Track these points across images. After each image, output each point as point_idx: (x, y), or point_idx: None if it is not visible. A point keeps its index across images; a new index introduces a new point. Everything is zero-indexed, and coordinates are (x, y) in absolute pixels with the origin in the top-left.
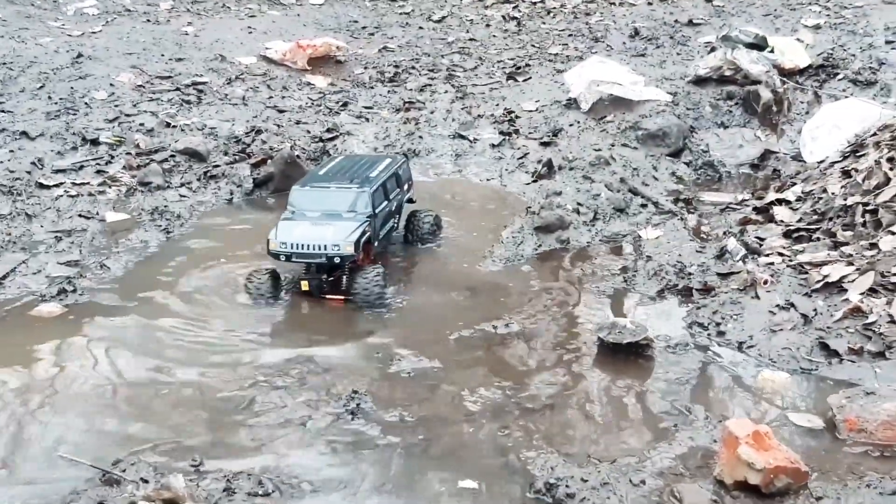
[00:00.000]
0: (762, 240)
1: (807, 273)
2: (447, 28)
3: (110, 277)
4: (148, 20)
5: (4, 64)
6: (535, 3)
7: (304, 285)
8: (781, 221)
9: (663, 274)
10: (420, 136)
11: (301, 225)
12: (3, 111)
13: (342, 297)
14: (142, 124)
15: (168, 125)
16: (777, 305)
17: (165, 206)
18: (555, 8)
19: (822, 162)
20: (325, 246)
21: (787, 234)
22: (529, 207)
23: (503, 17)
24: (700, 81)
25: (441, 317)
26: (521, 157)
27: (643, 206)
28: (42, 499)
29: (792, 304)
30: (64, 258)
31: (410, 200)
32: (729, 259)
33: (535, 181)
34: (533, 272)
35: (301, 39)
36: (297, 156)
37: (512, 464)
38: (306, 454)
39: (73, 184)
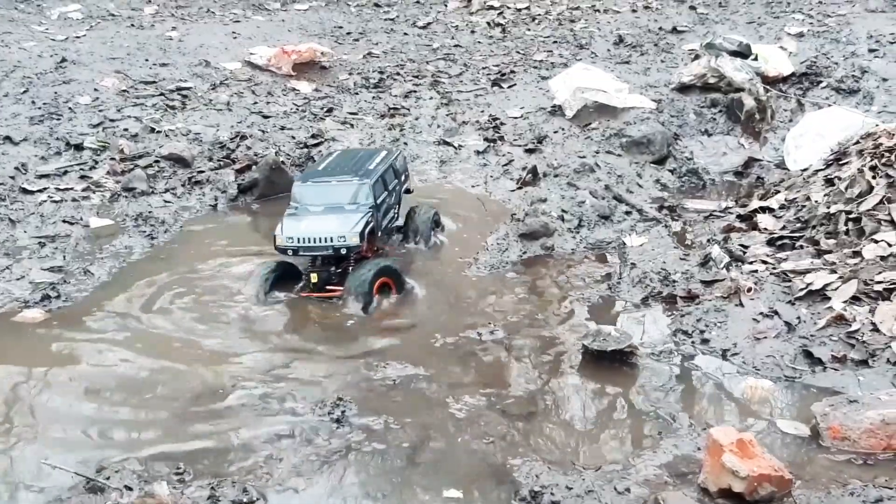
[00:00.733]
0: (746, 247)
1: (790, 281)
2: (432, 34)
3: (94, 283)
4: (132, 25)
5: None
6: (519, 10)
7: (314, 277)
8: (765, 229)
9: (648, 281)
10: (405, 143)
11: (306, 219)
12: None
13: (341, 290)
14: (126, 129)
15: (152, 130)
16: (761, 313)
17: (150, 212)
18: (539, 15)
19: (805, 170)
20: (331, 238)
21: (770, 242)
22: (514, 214)
23: (488, 23)
24: (684, 89)
25: (426, 324)
26: (505, 164)
27: (627, 213)
28: None
29: (776, 312)
30: (47, 264)
31: (408, 191)
32: (713, 267)
33: (519, 188)
34: (518, 279)
35: (286, 45)
36: (282, 162)
37: (497, 471)
38: (291, 462)
39: (57, 189)
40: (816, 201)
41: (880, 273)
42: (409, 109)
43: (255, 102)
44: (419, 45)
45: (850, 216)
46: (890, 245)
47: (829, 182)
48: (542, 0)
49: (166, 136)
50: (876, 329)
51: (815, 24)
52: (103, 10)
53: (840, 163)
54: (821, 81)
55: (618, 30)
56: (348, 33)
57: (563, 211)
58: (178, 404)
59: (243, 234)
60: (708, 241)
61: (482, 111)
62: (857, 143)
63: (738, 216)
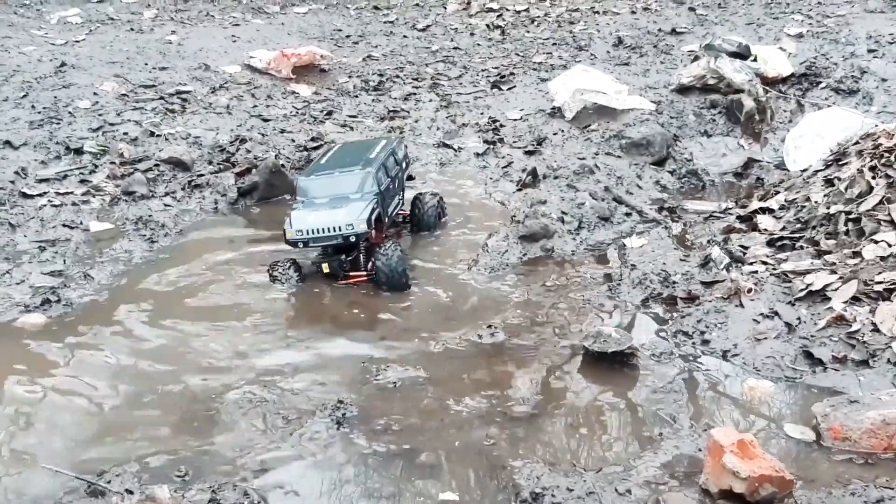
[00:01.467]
0: (746, 248)
1: (790, 282)
2: (431, 37)
3: (94, 287)
4: (131, 29)
5: None
6: (519, 12)
7: (326, 267)
8: (765, 230)
9: (648, 282)
10: (405, 145)
11: (313, 211)
12: None
13: (364, 274)
14: (126, 133)
15: (152, 134)
16: (761, 314)
17: (150, 216)
18: (539, 17)
19: (805, 171)
20: (340, 227)
21: (770, 243)
22: (514, 216)
23: (487, 25)
24: (683, 90)
25: (426, 326)
26: (505, 166)
27: (627, 214)
28: None
29: (776, 313)
30: (48, 268)
31: (410, 177)
32: (713, 268)
33: (519, 190)
34: (518, 281)
35: (285, 48)
36: (282, 165)
37: (497, 473)
38: (292, 464)
39: (57, 193)
40: (816, 202)
41: (880, 273)
42: (408, 112)
43: (255, 106)
44: (418, 47)
45: (850, 216)
46: (890, 245)
47: (829, 182)
48: (542, 2)
49: (166, 139)
50: (876, 329)
51: (815, 24)
52: (102, 15)
53: (840, 163)
54: (820, 82)
55: (617, 31)
56: (347, 36)
57: (563, 213)
58: (179, 407)
59: (244, 237)
60: (708, 242)
61: (482, 113)
62: (857, 143)
63: (738, 217)
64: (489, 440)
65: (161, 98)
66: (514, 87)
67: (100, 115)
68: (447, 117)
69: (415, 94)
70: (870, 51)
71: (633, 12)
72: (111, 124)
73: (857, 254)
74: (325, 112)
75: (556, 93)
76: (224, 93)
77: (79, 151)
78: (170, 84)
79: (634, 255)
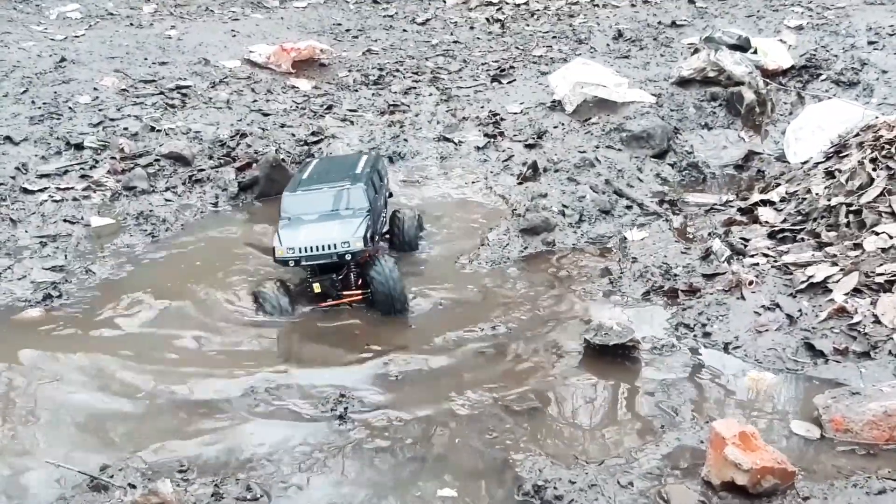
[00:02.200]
0: (747, 241)
1: (791, 274)
2: (431, 31)
3: (95, 282)
4: (131, 24)
5: None
6: (518, 6)
7: (317, 287)
8: (766, 222)
9: (649, 275)
10: (405, 139)
11: (303, 228)
12: None
13: (359, 293)
14: (126, 128)
15: (152, 129)
16: (762, 306)
17: (150, 211)
18: (538, 10)
19: (805, 163)
20: (335, 245)
21: (771, 235)
22: (515, 209)
23: (487, 19)
24: (684, 83)
25: (427, 320)
26: (506, 160)
27: (628, 207)
28: None
29: (777, 305)
30: (49, 263)
31: (390, 194)
32: (714, 260)
33: (520, 183)
34: (519, 274)
35: (285, 42)
36: (283, 159)
37: (500, 466)
38: (294, 458)
39: (58, 188)
40: (817, 194)
41: (881, 265)
42: (408, 106)
43: (255, 100)
44: (418, 41)
45: (851, 208)
46: (891, 237)
47: (830, 174)
48: None
49: (166, 134)
50: (877, 321)
51: (815, 16)
52: (102, 10)
53: (840, 155)
54: (820, 74)
55: (617, 24)
56: (347, 30)
57: (564, 206)
58: (181, 402)
59: (244, 232)
60: (709, 234)
61: (482, 107)
62: (857, 135)
63: (739, 209)
64: (491, 433)
65: (161, 93)
66: (514, 80)
67: (100, 110)
68: (447, 111)
69: (415, 88)
70: (870, 42)
71: (633, 5)
72: (111, 119)
73: (858, 245)
74: (325, 106)
75: (556, 86)
76: (224, 87)
77: (79, 147)
78: (170, 79)
79: (635, 248)
